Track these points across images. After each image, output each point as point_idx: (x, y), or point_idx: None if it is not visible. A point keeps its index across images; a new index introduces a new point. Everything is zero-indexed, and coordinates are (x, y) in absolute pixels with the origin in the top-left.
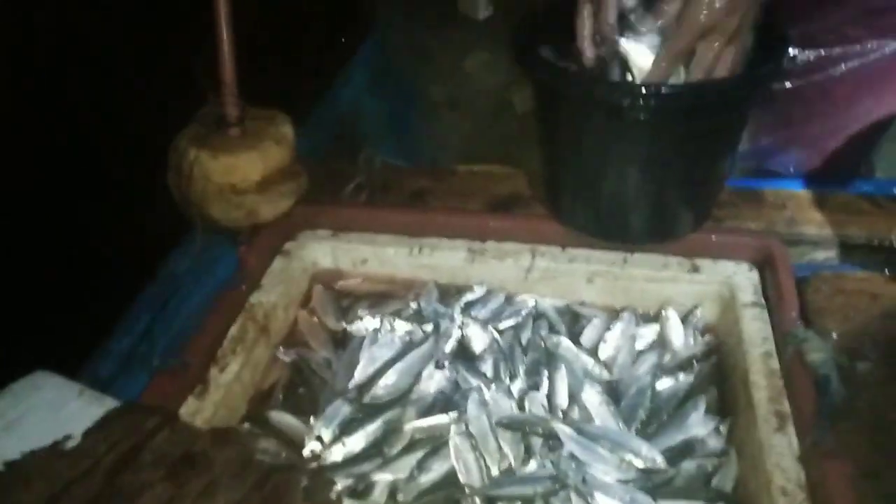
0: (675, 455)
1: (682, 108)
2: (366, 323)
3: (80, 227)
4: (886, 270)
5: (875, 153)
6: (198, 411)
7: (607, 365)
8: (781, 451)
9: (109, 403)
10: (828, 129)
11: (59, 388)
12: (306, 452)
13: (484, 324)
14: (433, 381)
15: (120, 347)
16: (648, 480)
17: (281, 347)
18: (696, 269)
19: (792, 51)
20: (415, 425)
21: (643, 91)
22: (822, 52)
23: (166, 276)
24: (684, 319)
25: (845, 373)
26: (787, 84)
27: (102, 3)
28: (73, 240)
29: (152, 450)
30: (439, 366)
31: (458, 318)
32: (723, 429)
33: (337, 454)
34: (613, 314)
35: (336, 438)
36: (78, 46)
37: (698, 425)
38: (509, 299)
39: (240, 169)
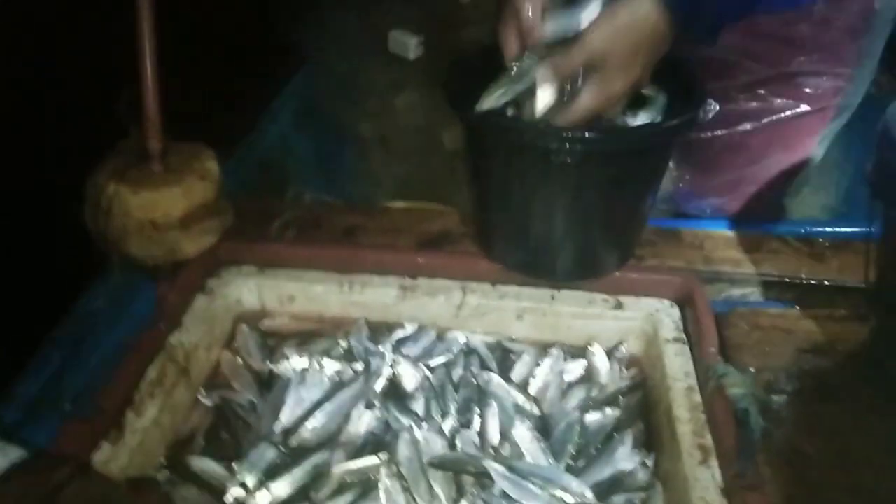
0: (604, 490)
1: (606, 152)
2: (293, 363)
3: None
4: (797, 306)
5: (786, 197)
6: (112, 458)
7: (537, 400)
8: (705, 484)
9: (14, 454)
10: (742, 175)
11: None
12: (229, 500)
13: (415, 361)
14: (363, 421)
15: (27, 391)
16: None
17: (202, 390)
18: (620, 306)
19: (710, 103)
20: (344, 468)
21: (570, 136)
22: (739, 107)
23: (79, 315)
24: (610, 354)
25: (764, 406)
26: (706, 134)
27: (12, 31)
28: None
29: None
30: (369, 405)
31: (389, 355)
32: (649, 462)
33: (262, 501)
34: (542, 350)
35: (261, 484)
36: None
37: (625, 459)
38: (441, 336)
39: (161, 205)
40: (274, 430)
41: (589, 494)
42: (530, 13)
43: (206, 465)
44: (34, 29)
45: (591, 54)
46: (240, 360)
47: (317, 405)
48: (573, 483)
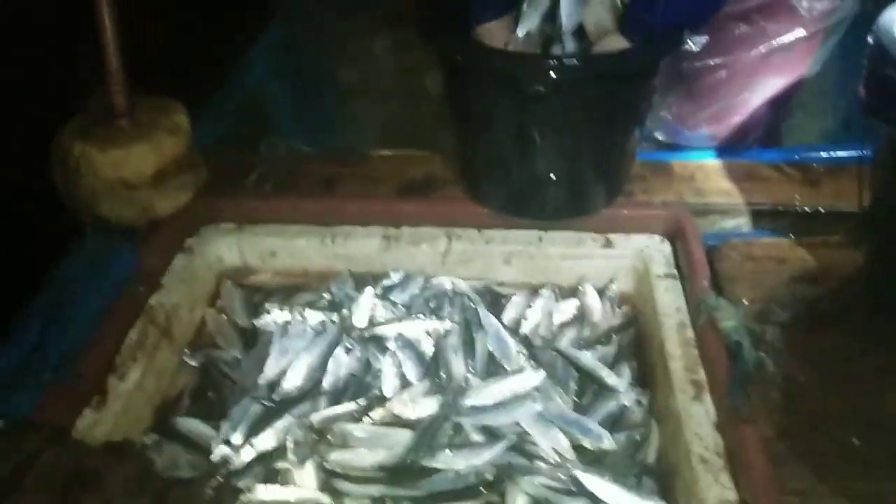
0: (605, 427)
1: (583, 79)
2: (275, 316)
3: None
4: (791, 235)
5: (780, 123)
6: (96, 424)
7: (529, 339)
8: (699, 419)
9: None
10: (735, 102)
11: None
12: (215, 458)
13: (393, 304)
14: (342, 365)
15: (8, 362)
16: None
17: (187, 350)
18: (609, 244)
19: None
20: (323, 416)
21: (543, 62)
22: (731, 34)
23: (57, 282)
24: (601, 293)
25: (756, 338)
26: (697, 63)
27: None
28: None
29: (38, 471)
30: (347, 350)
31: (370, 298)
32: (644, 400)
33: (247, 457)
34: (533, 292)
35: (245, 440)
36: None
37: (625, 393)
38: (427, 281)
39: (131, 162)
40: (258, 384)
41: (607, 439)
42: None
43: (193, 426)
44: None
45: None
46: (224, 318)
47: (298, 356)
48: (592, 426)
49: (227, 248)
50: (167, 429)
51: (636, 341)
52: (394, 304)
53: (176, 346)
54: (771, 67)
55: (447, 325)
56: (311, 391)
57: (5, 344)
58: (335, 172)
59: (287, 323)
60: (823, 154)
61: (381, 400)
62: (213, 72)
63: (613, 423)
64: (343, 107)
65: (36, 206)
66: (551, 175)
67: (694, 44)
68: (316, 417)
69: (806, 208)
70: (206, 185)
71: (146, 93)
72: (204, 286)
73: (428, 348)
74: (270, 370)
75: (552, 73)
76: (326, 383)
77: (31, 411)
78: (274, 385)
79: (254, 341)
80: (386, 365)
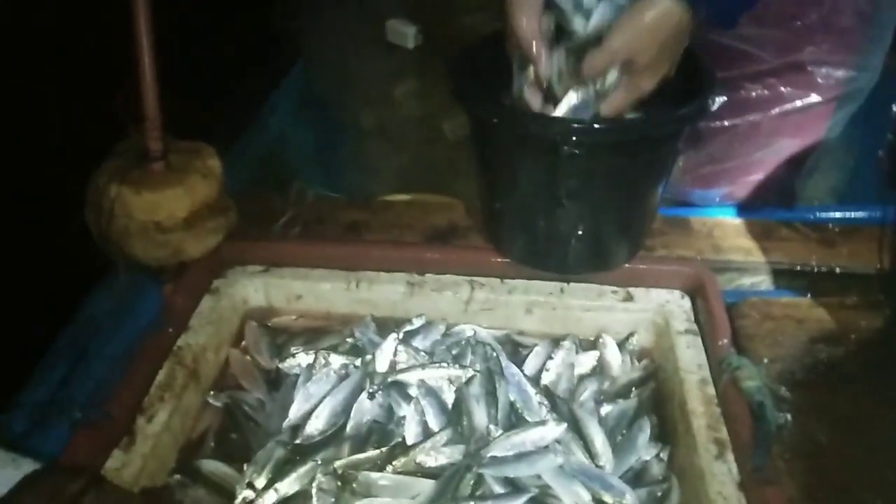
0: (626, 482)
1: (613, 143)
2: (299, 359)
3: None
4: (809, 294)
5: (795, 183)
6: (124, 465)
7: (550, 390)
8: (722, 478)
9: (27, 466)
10: (751, 162)
11: None
12: (238, 501)
13: (415, 350)
14: (365, 411)
15: (35, 399)
16: None
17: (212, 392)
18: (630, 298)
19: (719, 93)
20: (346, 462)
21: (576, 127)
22: (748, 95)
23: (85, 319)
24: (621, 346)
25: (778, 398)
26: (713, 122)
27: (15, 31)
28: None
29: None
30: (371, 396)
31: (393, 344)
32: (664, 455)
33: (269, 501)
34: (554, 342)
35: (269, 483)
36: None
37: (645, 448)
38: (449, 328)
39: (164, 205)
40: (282, 427)
41: (630, 495)
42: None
43: (216, 468)
44: (32, 31)
45: (616, 57)
46: (248, 359)
47: (322, 400)
48: (615, 482)
49: (253, 290)
50: (191, 471)
51: (656, 396)
52: (416, 350)
53: (202, 388)
54: (786, 129)
55: (469, 373)
56: (334, 436)
57: (33, 380)
58: (360, 218)
59: (311, 366)
60: (838, 214)
61: (404, 447)
62: (241, 114)
63: (635, 478)
64: (363, 151)
65: (66, 243)
66: (576, 232)
67: (712, 103)
68: (339, 463)
69: (822, 268)
70: (235, 229)
71: (175, 136)
72: (230, 327)
73: (450, 396)
74: (294, 414)
75: (586, 138)
76: (350, 429)
77: (60, 449)
78: (297, 429)
79: (277, 383)
80: (409, 412)
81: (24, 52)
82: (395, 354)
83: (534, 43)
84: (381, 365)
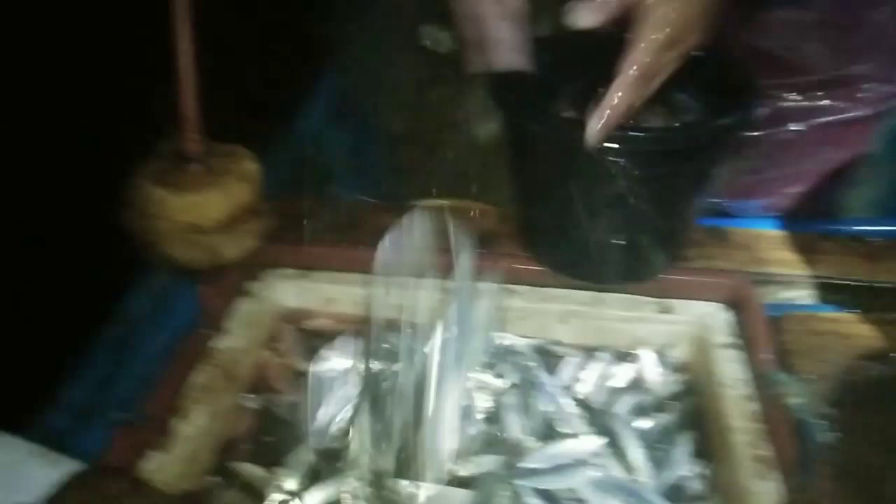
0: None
1: (655, 151)
2: (333, 364)
3: (28, 266)
4: (853, 309)
5: (838, 196)
6: (161, 466)
7: (586, 402)
8: (766, 498)
9: (68, 465)
10: (792, 173)
11: (9, 449)
12: None
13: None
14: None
15: (74, 398)
16: None
17: (246, 394)
18: (668, 310)
19: (761, 103)
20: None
21: (616, 135)
22: (790, 106)
23: (123, 319)
24: (659, 358)
25: (824, 416)
26: (755, 133)
27: (55, 31)
28: (19, 280)
29: None
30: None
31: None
32: (705, 472)
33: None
34: (588, 353)
35: (302, 488)
36: (23, 79)
37: (685, 464)
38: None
39: (204, 207)
40: (316, 430)
41: None
42: None
43: (251, 471)
44: (69, 30)
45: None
46: (282, 361)
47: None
48: (653, 498)
49: (287, 293)
50: (227, 473)
51: (695, 411)
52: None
53: (236, 390)
54: (829, 141)
55: (505, 382)
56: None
57: (72, 379)
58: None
59: (346, 371)
60: (883, 227)
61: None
62: (275, 120)
63: (673, 495)
64: (397, 156)
65: (105, 243)
66: (614, 241)
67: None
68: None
69: (866, 282)
70: (270, 232)
71: (213, 138)
72: (264, 330)
73: (484, 404)
74: (326, 417)
75: (625, 146)
76: None
77: (98, 449)
78: (331, 433)
79: (311, 386)
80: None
81: (65, 53)
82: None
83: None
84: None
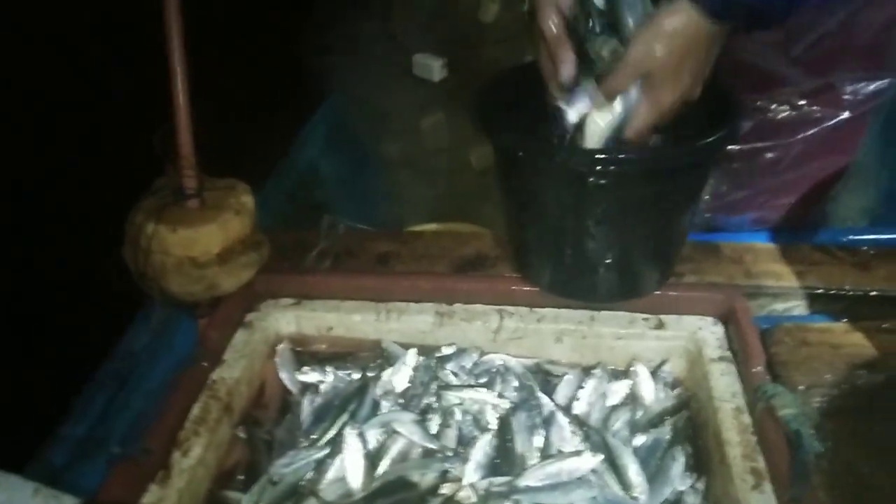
0: None
1: (639, 173)
2: (314, 376)
3: (28, 302)
4: (845, 319)
5: (828, 205)
6: (161, 500)
7: (582, 420)
8: None
9: (67, 502)
10: (781, 185)
11: (11, 489)
12: None
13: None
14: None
15: (74, 433)
16: None
17: (240, 426)
18: (661, 325)
19: (746, 118)
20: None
21: (601, 158)
22: (777, 118)
23: (122, 354)
24: (653, 374)
25: (817, 427)
26: (743, 146)
27: (56, 70)
28: (20, 316)
29: None
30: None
31: (413, 359)
32: (700, 486)
33: None
34: (585, 371)
35: None
36: (21, 115)
37: (680, 478)
38: (480, 357)
39: (200, 242)
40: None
41: None
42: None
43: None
44: (71, 71)
45: (636, 69)
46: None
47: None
48: None
49: (285, 322)
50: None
51: (690, 425)
52: (452, 373)
53: (234, 421)
54: (817, 150)
55: (504, 402)
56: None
57: (72, 414)
58: (390, 249)
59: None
60: (872, 236)
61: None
62: (271, 150)
63: None
64: (391, 182)
65: (104, 279)
66: (606, 260)
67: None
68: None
69: (857, 292)
70: (267, 262)
71: (209, 172)
72: (262, 360)
73: (486, 423)
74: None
75: (613, 167)
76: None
77: (98, 483)
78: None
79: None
80: (448, 438)
81: (68, 94)
82: (414, 372)
83: (557, 37)
84: (400, 381)
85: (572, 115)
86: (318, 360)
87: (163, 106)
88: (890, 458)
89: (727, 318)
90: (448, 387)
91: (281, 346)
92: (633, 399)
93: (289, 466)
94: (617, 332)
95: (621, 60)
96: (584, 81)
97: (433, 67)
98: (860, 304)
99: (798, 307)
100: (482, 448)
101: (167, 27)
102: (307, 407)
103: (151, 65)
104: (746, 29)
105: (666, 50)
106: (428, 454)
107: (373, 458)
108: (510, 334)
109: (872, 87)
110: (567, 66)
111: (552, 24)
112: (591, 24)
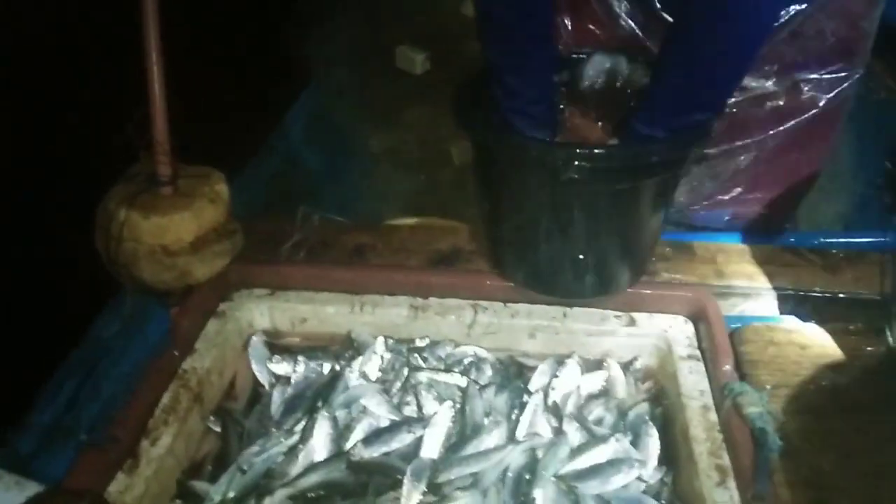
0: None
1: (613, 169)
2: (284, 367)
3: None
4: (813, 320)
5: (799, 208)
6: (128, 488)
7: (558, 408)
8: None
9: (31, 488)
10: (754, 181)
11: None
12: None
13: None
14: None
15: (42, 420)
16: None
17: (211, 416)
18: (633, 323)
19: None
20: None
21: (576, 153)
22: (749, 117)
23: (92, 341)
24: (625, 369)
25: (781, 425)
26: (717, 147)
27: (31, 61)
28: None
29: None
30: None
31: (382, 346)
32: (667, 479)
33: None
34: (558, 361)
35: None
36: None
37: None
38: (454, 348)
39: (172, 229)
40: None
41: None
42: None
43: (204, 490)
44: (45, 59)
45: None
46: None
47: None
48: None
49: (259, 313)
50: (191, 494)
51: (660, 419)
52: (422, 358)
53: (205, 411)
54: (788, 147)
55: (475, 386)
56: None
57: (40, 402)
58: (366, 242)
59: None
60: (842, 240)
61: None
62: (251, 138)
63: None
64: (371, 175)
65: (73, 266)
66: (579, 256)
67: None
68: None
69: (826, 294)
70: (241, 252)
71: (186, 160)
72: (234, 350)
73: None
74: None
75: (586, 163)
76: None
77: (65, 471)
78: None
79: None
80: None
81: (42, 79)
82: (383, 360)
83: None
84: (371, 369)
85: None
86: (291, 352)
87: (138, 94)
88: (852, 458)
89: (698, 317)
90: (419, 368)
91: (254, 338)
92: (606, 391)
93: (259, 455)
94: (589, 328)
95: None
96: None
97: (416, 60)
98: (829, 305)
99: (768, 307)
100: (444, 415)
101: (143, 12)
102: (278, 398)
103: (128, 54)
104: None
105: None
106: (394, 427)
107: (339, 438)
108: (484, 329)
109: (837, 77)
110: None
111: None
112: None
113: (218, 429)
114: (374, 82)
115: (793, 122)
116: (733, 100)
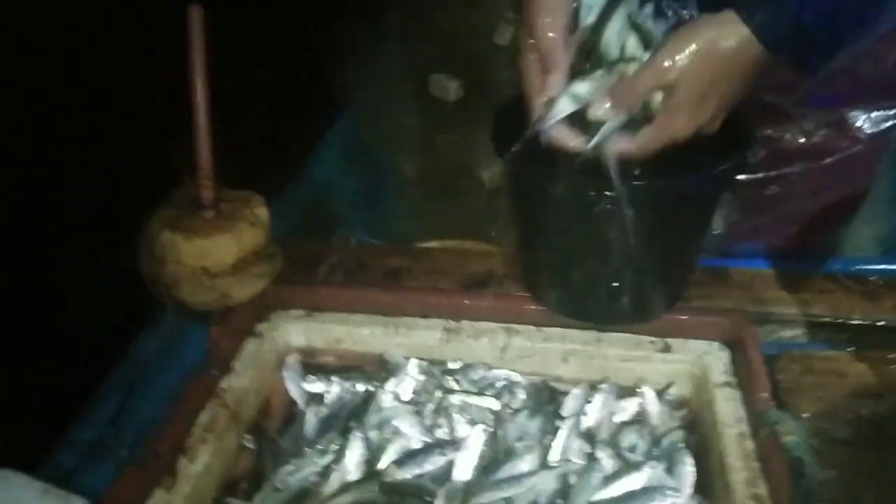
0: None
1: (649, 199)
2: (319, 386)
3: (42, 307)
4: (851, 348)
5: (839, 235)
6: None
7: (591, 435)
8: None
9: (77, 503)
10: (794, 215)
11: (20, 488)
12: None
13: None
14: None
15: (85, 436)
16: None
17: (247, 435)
18: (668, 349)
19: (759, 146)
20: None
21: (615, 185)
22: (791, 147)
23: (134, 360)
24: (659, 396)
25: (820, 455)
26: (756, 174)
27: (74, 78)
28: (34, 321)
29: None
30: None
31: (416, 369)
32: None
33: None
34: (592, 386)
35: None
36: (43, 121)
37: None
38: (487, 372)
39: (214, 252)
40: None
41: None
42: (551, 35)
43: None
44: (92, 81)
45: (658, 78)
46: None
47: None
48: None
49: (295, 333)
50: None
51: (695, 448)
52: (455, 381)
53: (241, 429)
54: (830, 180)
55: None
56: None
57: (82, 418)
58: (400, 264)
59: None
60: (882, 266)
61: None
62: (288, 163)
63: None
64: (405, 199)
65: (118, 286)
66: (613, 283)
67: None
68: None
69: (865, 322)
70: (279, 274)
71: (227, 184)
72: (270, 370)
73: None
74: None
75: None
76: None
77: (105, 489)
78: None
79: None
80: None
81: (89, 102)
82: (416, 382)
83: (552, 43)
84: (404, 390)
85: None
86: (325, 371)
87: (182, 116)
88: (893, 489)
89: (734, 344)
90: (452, 391)
91: (289, 357)
92: (639, 419)
93: (293, 474)
94: (623, 353)
95: (651, 63)
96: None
97: (449, 88)
98: (867, 333)
99: (805, 335)
100: (476, 439)
101: (190, 40)
102: (312, 417)
103: (175, 81)
104: (795, 64)
105: (699, 64)
106: (427, 449)
107: (372, 459)
108: (517, 352)
109: (886, 119)
110: (558, 76)
111: (548, 26)
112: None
113: (253, 447)
114: (408, 109)
115: (837, 156)
116: (771, 132)
